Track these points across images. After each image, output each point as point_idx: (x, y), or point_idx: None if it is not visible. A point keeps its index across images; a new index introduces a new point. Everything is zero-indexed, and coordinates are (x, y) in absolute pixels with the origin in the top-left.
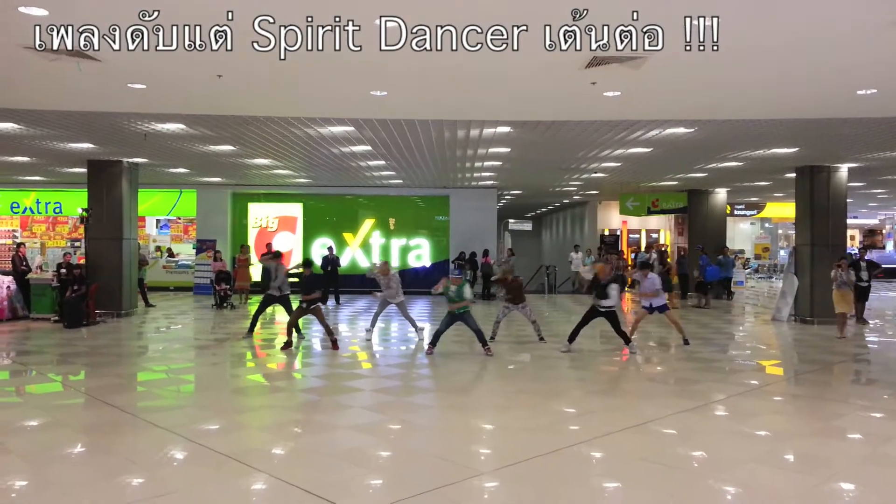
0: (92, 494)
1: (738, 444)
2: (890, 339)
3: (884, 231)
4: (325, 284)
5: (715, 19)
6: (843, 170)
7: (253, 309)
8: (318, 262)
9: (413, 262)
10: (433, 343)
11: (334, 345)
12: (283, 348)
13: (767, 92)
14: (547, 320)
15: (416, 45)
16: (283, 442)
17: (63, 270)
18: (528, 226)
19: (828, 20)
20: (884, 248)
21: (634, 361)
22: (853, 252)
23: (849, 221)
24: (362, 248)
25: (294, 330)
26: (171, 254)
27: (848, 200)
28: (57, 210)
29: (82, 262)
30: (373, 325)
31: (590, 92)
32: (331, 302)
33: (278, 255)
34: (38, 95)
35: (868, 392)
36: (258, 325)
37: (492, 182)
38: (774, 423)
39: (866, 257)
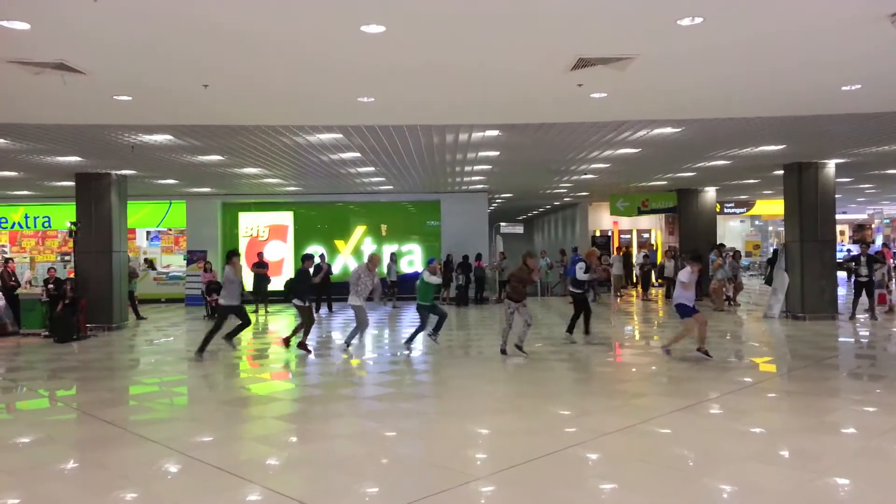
0: None
1: (732, 442)
2: (883, 333)
3: (873, 226)
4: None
5: (699, 19)
6: (831, 166)
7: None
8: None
9: (405, 267)
10: (410, 340)
11: (286, 342)
12: (299, 346)
13: (753, 90)
14: (542, 323)
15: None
16: (276, 452)
17: (51, 286)
18: (519, 229)
19: (811, 16)
20: (874, 241)
21: (628, 361)
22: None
23: (838, 217)
24: (354, 255)
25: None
26: (150, 265)
27: (836, 196)
28: (46, 224)
29: (71, 275)
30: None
31: (576, 94)
32: (323, 310)
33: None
34: (23, 109)
35: (860, 386)
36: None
37: (482, 186)
38: (768, 420)
39: (868, 252)
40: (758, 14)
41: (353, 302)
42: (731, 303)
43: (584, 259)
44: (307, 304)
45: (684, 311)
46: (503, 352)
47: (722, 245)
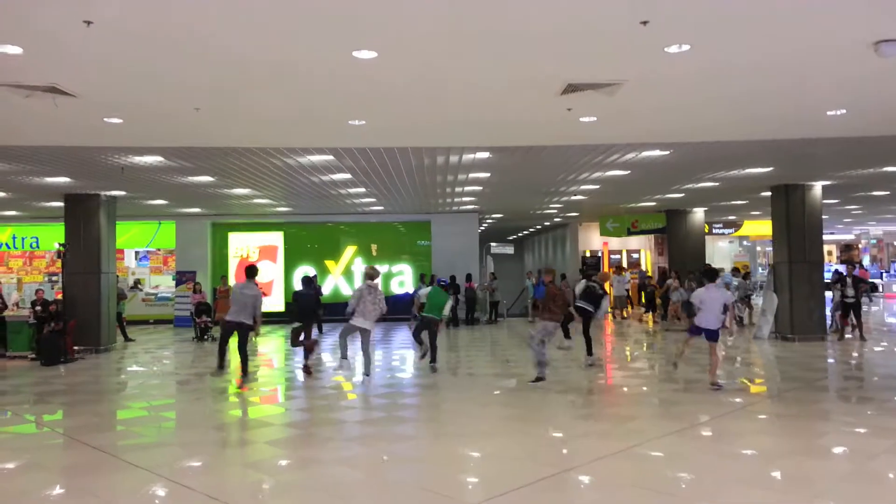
0: None
1: (724, 466)
2: (874, 354)
3: (860, 246)
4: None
5: (686, 46)
6: (818, 187)
7: (233, 340)
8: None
9: (396, 288)
10: (429, 356)
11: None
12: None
13: (739, 114)
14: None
15: (393, 74)
16: (266, 478)
17: (38, 308)
18: (510, 249)
19: (796, 44)
20: (861, 262)
21: (619, 383)
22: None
23: (825, 237)
24: (344, 276)
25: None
26: (136, 285)
27: (823, 217)
28: (34, 245)
29: (59, 296)
30: (344, 353)
31: (566, 117)
32: (314, 331)
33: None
34: (13, 131)
35: (851, 409)
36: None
37: (473, 206)
38: (760, 442)
39: (854, 273)
40: (744, 42)
41: (359, 324)
42: (742, 325)
43: (597, 280)
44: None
45: (699, 333)
46: (541, 378)
47: (737, 269)
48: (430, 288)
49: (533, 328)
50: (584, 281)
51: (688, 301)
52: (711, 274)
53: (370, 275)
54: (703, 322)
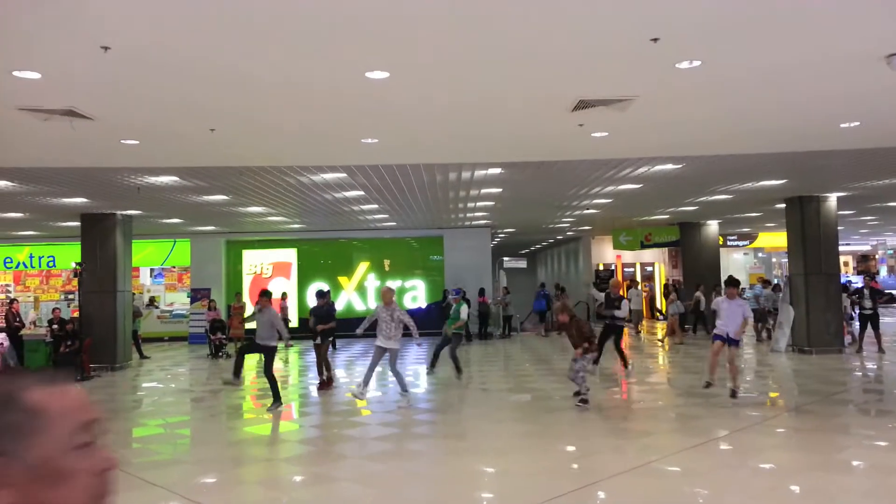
0: None
1: (743, 482)
2: (893, 367)
3: (876, 256)
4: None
5: (696, 62)
6: (833, 199)
7: (248, 357)
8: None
9: (409, 303)
10: (432, 363)
11: (328, 383)
12: (319, 388)
13: (752, 127)
14: (543, 360)
15: (405, 93)
16: (281, 496)
17: (55, 326)
18: (522, 263)
19: (808, 56)
20: (878, 273)
21: (636, 398)
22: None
23: (841, 248)
24: (358, 292)
25: (325, 367)
26: (152, 302)
27: (839, 228)
28: (50, 264)
29: (76, 314)
30: (366, 381)
31: (578, 133)
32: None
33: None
34: (31, 154)
35: (871, 422)
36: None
37: (485, 221)
38: (778, 457)
39: (871, 284)
40: (754, 56)
41: (381, 344)
42: (768, 338)
43: (614, 291)
44: (318, 341)
45: (723, 340)
46: (584, 399)
47: (766, 280)
48: (464, 305)
49: (577, 365)
50: (598, 293)
51: (684, 313)
52: (733, 281)
53: (384, 299)
54: (723, 329)
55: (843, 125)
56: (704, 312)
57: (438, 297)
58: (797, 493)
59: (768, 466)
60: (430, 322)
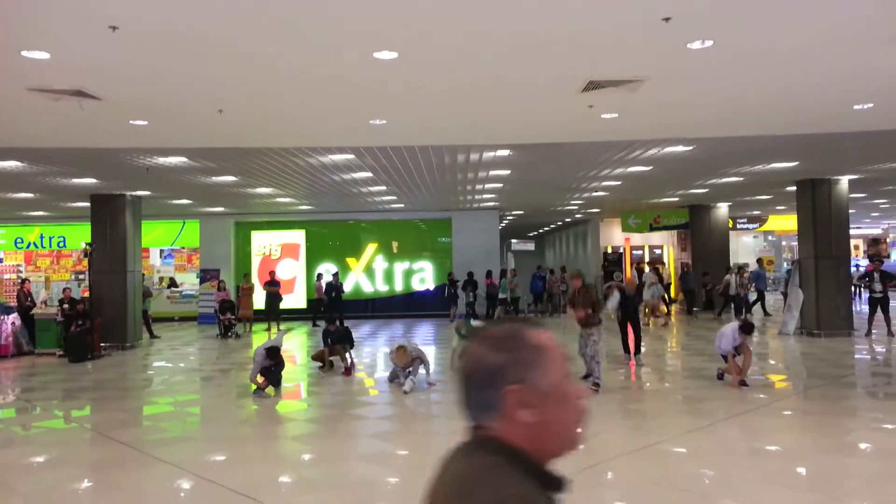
0: None
1: (749, 464)
2: None
3: (888, 240)
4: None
5: (709, 42)
6: (844, 182)
7: (256, 338)
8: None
9: (417, 285)
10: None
11: (348, 371)
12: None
13: (763, 108)
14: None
15: (414, 73)
16: (290, 474)
17: (66, 306)
18: (530, 245)
19: (820, 37)
20: (888, 256)
21: (641, 379)
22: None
23: (852, 231)
24: (366, 273)
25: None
26: (173, 283)
27: (850, 211)
28: (61, 244)
29: (86, 294)
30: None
31: (587, 114)
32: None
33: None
34: (41, 134)
35: (879, 405)
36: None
37: (493, 203)
38: (785, 440)
39: (882, 268)
40: (767, 36)
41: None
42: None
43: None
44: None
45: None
46: (590, 377)
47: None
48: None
49: (586, 345)
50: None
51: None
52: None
53: (401, 364)
54: (724, 348)
55: (856, 107)
56: (737, 295)
57: (446, 279)
58: (804, 475)
59: (775, 449)
60: (438, 304)
